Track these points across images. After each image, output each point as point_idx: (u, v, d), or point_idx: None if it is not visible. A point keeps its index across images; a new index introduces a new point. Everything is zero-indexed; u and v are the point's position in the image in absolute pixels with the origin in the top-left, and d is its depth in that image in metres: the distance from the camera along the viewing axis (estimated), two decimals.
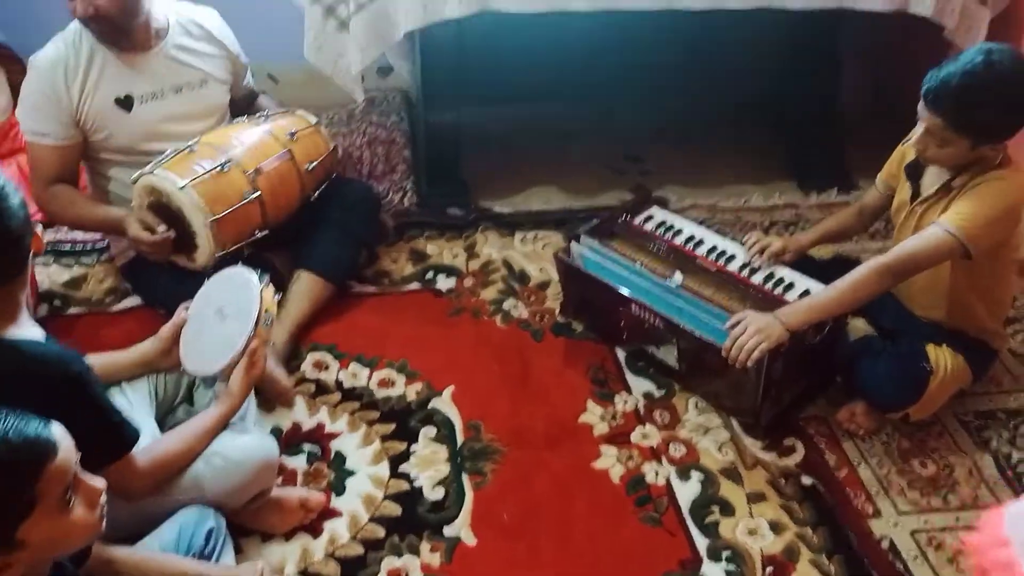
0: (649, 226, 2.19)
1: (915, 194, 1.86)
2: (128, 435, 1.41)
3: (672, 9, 2.27)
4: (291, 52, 2.43)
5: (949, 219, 1.71)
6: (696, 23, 2.35)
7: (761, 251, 2.04)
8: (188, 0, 2.20)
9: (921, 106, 1.70)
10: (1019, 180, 1.74)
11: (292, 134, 2.14)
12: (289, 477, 1.81)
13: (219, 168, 1.97)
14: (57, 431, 1.08)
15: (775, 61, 2.82)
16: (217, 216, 1.93)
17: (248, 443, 1.61)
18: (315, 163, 2.16)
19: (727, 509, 1.77)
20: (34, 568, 1.10)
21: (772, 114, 2.98)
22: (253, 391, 1.74)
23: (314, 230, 2.21)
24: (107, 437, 1.38)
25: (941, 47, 2.44)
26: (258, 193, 2.01)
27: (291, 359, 2.07)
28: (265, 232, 2.06)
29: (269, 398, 1.96)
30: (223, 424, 1.59)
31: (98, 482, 1.13)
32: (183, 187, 1.90)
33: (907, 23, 2.36)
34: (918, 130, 1.73)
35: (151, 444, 1.52)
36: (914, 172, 1.86)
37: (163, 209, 1.95)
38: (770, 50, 2.76)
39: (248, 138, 2.09)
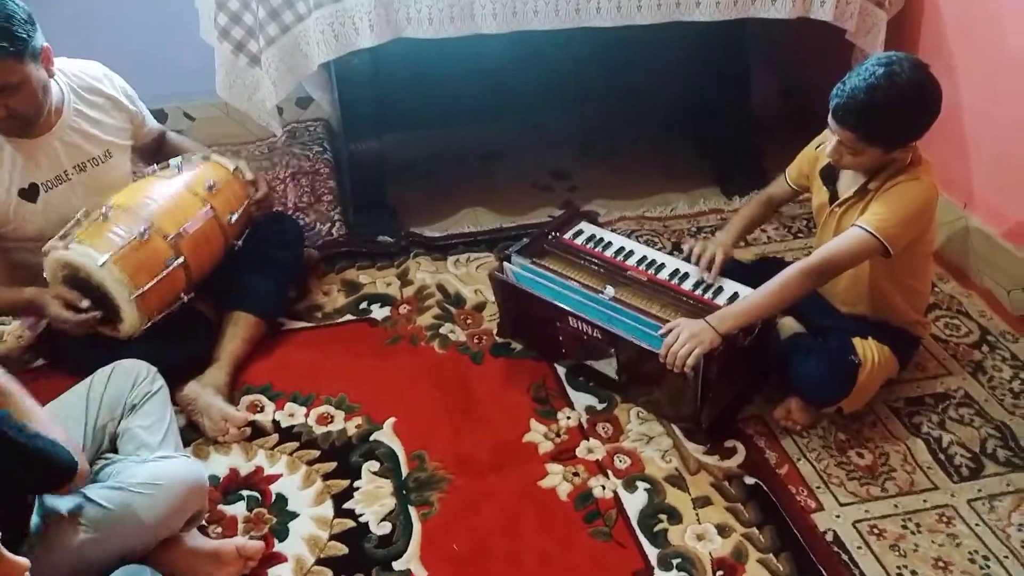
0: (579, 241, 2.21)
1: (833, 197, 1.93)
2: (65, 464, 1.41)
3: (582, 27, 2.31)
4: (205, 89, 2.38)
5: (868, 220, 1.77)
6: (609, 39, 2.38)
7: (708, 267, 2.04)
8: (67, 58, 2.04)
9: (831, 120, 1.76)
10: (930, 180, 1.82)
11: (210, 186, 2.04)
12: (229, 525, 1.75)
13: (138, 237, 1.87)
14: None
15: (688, 71, 2.88)
16: (142, 290, 1.85)
17: (175, 465, 1.62)
18: (237, 213, 2.09)
19: (674, 516, 1.78)
20: None
21: (690, 123, 3.04)
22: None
23: (242, 270, 2.15)
24: (47, 472, 1.39)
25: (844, 46, 2.53)
26: (181, 259, 1.93)
27: (231, 401, 2.01)
28: (191, 295, 1.99)
29: (217, 430, 1.91)
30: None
31: (21, 561, 1.15)
32: (103, 264, 1.80)
33: (811, 26, 2.44)
34: (831, 140, 1.79)
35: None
36: (829, 176, 1.93)
37: (80, 282, 1.86)
38: (682, 61, 2.82)
39: (164, 197, 1.97)
